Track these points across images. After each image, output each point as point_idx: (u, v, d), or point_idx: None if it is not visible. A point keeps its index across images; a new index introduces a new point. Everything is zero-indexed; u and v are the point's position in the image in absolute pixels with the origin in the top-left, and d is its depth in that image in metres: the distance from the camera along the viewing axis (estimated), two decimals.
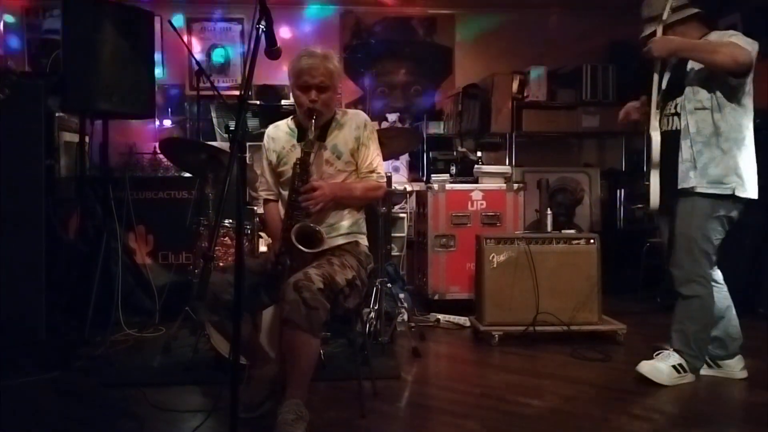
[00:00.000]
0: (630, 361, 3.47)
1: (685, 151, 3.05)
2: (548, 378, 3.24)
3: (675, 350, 3.11)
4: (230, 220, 3.60)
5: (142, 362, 3.47)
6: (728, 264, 4.51)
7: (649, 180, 3.16)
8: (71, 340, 3.68)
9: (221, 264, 3.53)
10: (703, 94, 3.04)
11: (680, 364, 3.08)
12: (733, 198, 3.02)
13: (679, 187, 3.07)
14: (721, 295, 3.19)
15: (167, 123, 6.10)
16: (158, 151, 4.80)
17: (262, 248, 3.65)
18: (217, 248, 3.51)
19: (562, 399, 2.93)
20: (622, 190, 5.93)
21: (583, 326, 3.89)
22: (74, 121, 4.08)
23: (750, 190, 3.05)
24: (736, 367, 3.21)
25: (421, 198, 5.07)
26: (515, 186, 4.82)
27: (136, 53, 3.93)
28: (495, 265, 3.97)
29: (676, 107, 3.13)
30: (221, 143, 5.35)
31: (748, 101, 3.07)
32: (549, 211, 4.56)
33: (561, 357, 3.59)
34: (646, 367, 3.10)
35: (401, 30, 6.39)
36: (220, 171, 3.54)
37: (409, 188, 5.62)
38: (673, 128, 3.13)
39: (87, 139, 4.05)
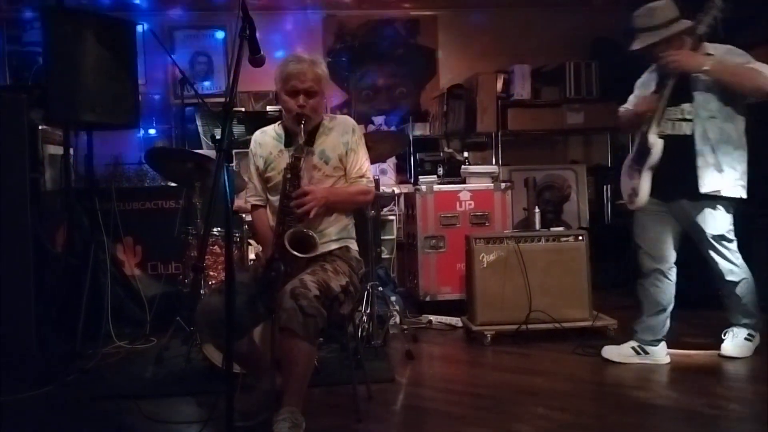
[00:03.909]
0: None
1: (709, 157, 3.17)
2: (542, 375, 3.25)
3: (742, 325, 3.36)
4: (219, 229, 3.58)
5: (134, 374, 3.45)
6: None
7: (639, 178, 3.29)
8: (62, 354, 3.65)
9: (211, 273, 3.52)
10: (714, 104, 3.17)
11: (750, 333, 3.35)
12: (740, 199, 3.26)
13: (704, 191, 3.18)
14: (671, 289, 3.38)
15: (152, 132, 6.08)
16: (144, 162, 4.77)
17: (252, 256, 3.64)
18: (206, 257, 3.50)
19: (557, 396, 2.94)
20: (609, 186, 5.96)
21: (575, 323, 3.90)
22: (58, 134, 4.04)
23: (745, 191, 3.28)
24: (661, 353, 3.37)
25: (409, 200, 5.08)
26: (502, 185, 4.84)
27: (118, 63, 3.91)
28: (485, 265, 3.98)
29: (683, 112, 3.22)
30: (207, 151, 5.32)
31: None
32: (537, 209, 4.59)
33: (554, 354, 3.60)
34: (729, 349, 3.33)
35: (384, 33, 6.40)
36: (207, 179, 3.52)
37: (397, 190, 5.62)
38: (681, 133, 3.22)
39: (71, 151, 4.02)
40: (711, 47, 3.20)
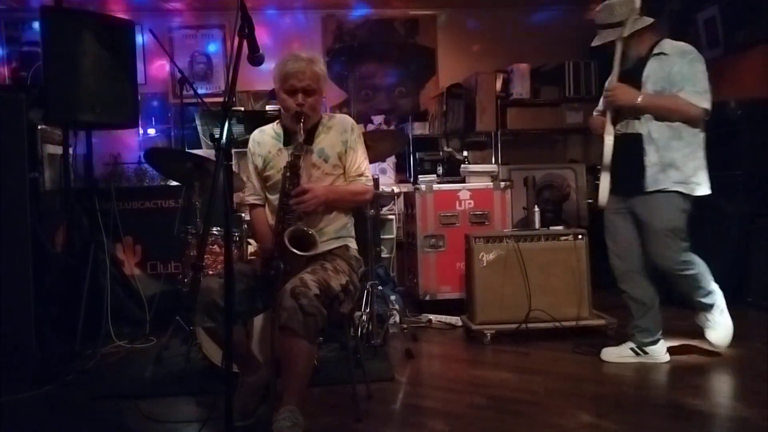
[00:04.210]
0: None
1: (652, 156, 3.20)
2: (541, 374, 3.25)
3: (708, 306, 3.35)
4: (218, 228, 3.58)
5: (134, 374, 3.45)
6: (716, 253, 4.57)
7: (599, 179, 3.36)
8: (62, 354, 3.65)
9: (210, 272, 3.51)
10: None
11: (719, 309, 3.35)
12: (692, 196, 3.23)
13: (649, 189, 3.21)
14: (651, 286, 3.38)
15: (151, 132, 6.08)
16: (143, 161, 4.78)
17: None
18: (206, 257, 3.50)
19: (556, 395, 2.94)
20: None
21: (574, 321, 3.91)
22: (57, 133, 4.04)
23: (706, 188, 3.25)
24: (660, 352, 3.36)
25: (409, 199, 5.08)
26: (502, 184, 4.84)
27: (117, 63, 3.91)
28: (485, 264, 3.98)
29: (635, 111, 3.24)
30: (206, 151, 5.33)
31: None
32: (536, 208, 4.59)
33: (553, 353, 3.60)
34: (717, 339, 3.35)
35: (383, 32, 6.40)
36: (206, 179, 3.52)
37: (396, 190, 5.62)
38: (633, 131, 3.25)
39: (71, 151, 4.02)
40: (668, 46, 3.22)
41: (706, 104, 3.13)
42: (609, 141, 3.28)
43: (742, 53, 5.27)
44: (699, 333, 3.73)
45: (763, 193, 4.54)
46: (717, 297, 3.36)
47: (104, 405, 3.01)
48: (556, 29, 6.24)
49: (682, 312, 3.62)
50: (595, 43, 3.31)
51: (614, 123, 3.29)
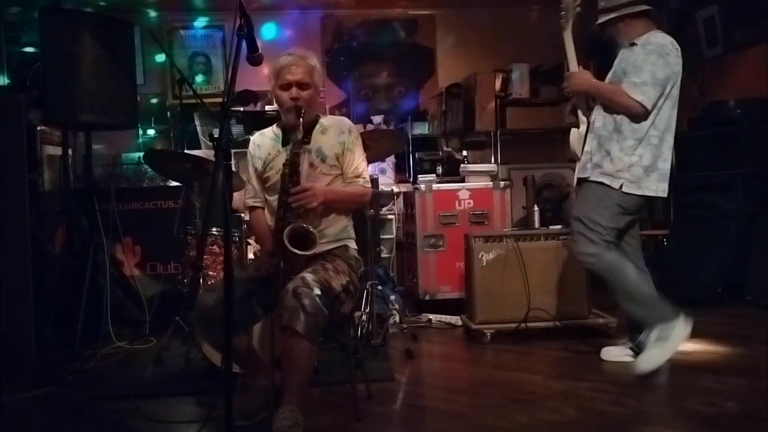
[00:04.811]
0: None
1: (588, 144, 3.23)
2: (541, 374, 3.25)
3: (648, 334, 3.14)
4: (218, 228, 3.58)
5: (134, 374, 3.44)
6: (716, 253, 4.57)
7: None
8: (62, 354, 3.65)
9: (210, 272, 3.52)
10: None
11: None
12: (621, 192, 3.11)
13: (577, 176, 3.26)
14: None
15: (151, 132, 6.08)
16: (143, 162, 4.78)
17: (251, 255, 3.63)
18: (205, 257, 3.50)
19: (556, 394, 2.94)
20: None
21: (574, 321, 3.91)
22: (56, 134, 4.05)
23: (646, 187, 3.12)
24: None
25: (408, 199, 5.08)
26: (501, 184, 4.84)
27: (116, 63, 3.91)
28: (484, 264, 3.98)
29: (595, 101, 3.28)
30: (206, 151, 5.32)
31: (665, 106, 3.12)
32: (536, 208, 4.60)
33: (553, 353, 3.60)
34: (644, 364, 3.07)
35: (382, 32, 6.41)
36: (205, 179, 3.52)
37: (396, 190, 5.63)
38: (593, 120, 3.29)
39: (70, 151, 4.02)
40: (645, 37, 3.15)
41: (640, 96, 3.02)
42: (575, 130, 3.30)
43: (741, 52, 5.27)
44: (698, 333, 3.74)
45: (763, 192, 4.55)
46: (657, 325, 3.07)
47: (104, 405, 3.00)
48: (555, 28, 6.22)
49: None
50: (599, 23, 3.33)
51: (587, 113, 3.31)
